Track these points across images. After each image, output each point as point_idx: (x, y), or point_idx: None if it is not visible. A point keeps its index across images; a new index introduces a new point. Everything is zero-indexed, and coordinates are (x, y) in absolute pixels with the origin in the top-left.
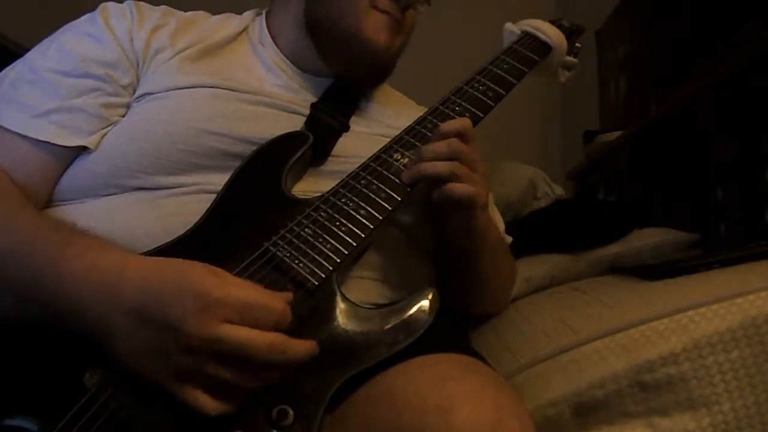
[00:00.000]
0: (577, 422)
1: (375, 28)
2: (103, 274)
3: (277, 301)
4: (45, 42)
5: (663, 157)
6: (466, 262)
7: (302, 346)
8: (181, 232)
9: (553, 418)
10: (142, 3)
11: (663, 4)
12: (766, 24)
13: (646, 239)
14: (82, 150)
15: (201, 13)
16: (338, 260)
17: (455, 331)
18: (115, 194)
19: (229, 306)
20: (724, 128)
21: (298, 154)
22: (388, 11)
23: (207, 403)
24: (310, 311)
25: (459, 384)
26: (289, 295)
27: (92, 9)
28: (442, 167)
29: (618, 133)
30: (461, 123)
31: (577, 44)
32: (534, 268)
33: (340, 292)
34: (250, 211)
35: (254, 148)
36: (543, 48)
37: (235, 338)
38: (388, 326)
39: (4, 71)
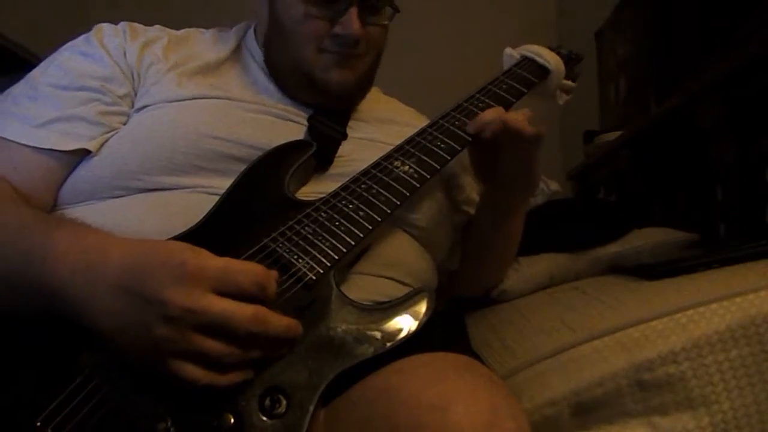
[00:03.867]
0: (576, 421)
1: (324, 68)
2: (86, 255)
3: (255, 265)
4: (45, 62)
5: (663, 157)
6: (499, 222)
7: (283, 320)
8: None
9: (552, 417)
10: (135, 23)
11: (663, 5)
12: (766, 24)
13: (645, 239)
14: (84, 154)
15: (193, 30)
16: (336, 257)
17: (453, 330)
18: (120, 196)
19: (208, 273)
20: (724, 128)
21: (302, 160)
22: (335, 51)
23: (195, 372)
24: (308, 306)
25: (454, 383)
26: (274, 273)
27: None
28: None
29: (618, 133)
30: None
31: (576, 71)
32: (533, 267)
33: (338, 288)
34: (253, 211)
35: (254, 152)
36: (541, 71)
37: (218, 309)
38: (383, 324)
39: (8, 90)
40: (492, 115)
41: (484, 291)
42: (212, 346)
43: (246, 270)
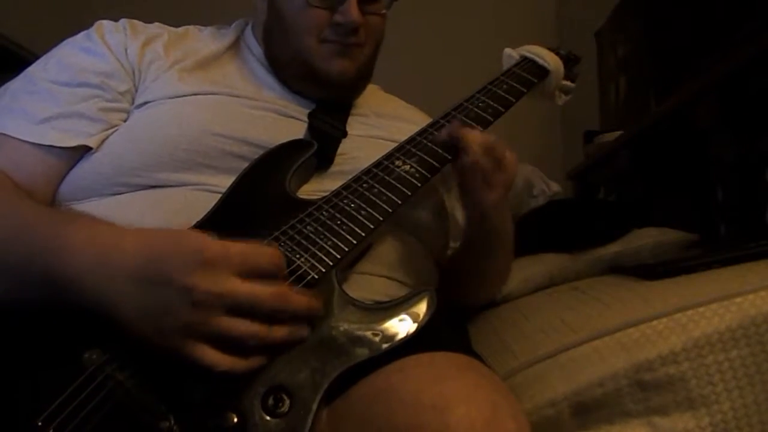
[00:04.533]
0: (576, 421)
1: (325, 57)
2: (102, 244)
3: (268, 248)
4: (44, 57)
5: (663, 157)
6: (479, 249)
7: (304, 297)
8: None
9: (552, 418)
10: (135, 20)
11: (663, 5)
12: (766, 24)
13: (645, 239)
14: (85, 151)
15: (192, 27)
16: (338, 256)
17: (453, 330)
18: (121, 193)
19: (230, 257)
20: (724, 128)
21: (303, 159)
22: (336, 40)
23: (216, 357)
24: None
25: (454, 383)
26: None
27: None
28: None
29: (618, 133)
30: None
31: (575, 71)
32: (533, 267)
33: (340, 287)
34: (254, 209)
35: (254, 149)
36: (541, 71)
37: (244, 289)
38: (384, 324)
39: (5, 85)
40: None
41: (482, 303)
42: (238, 326)
43: (263, 252)
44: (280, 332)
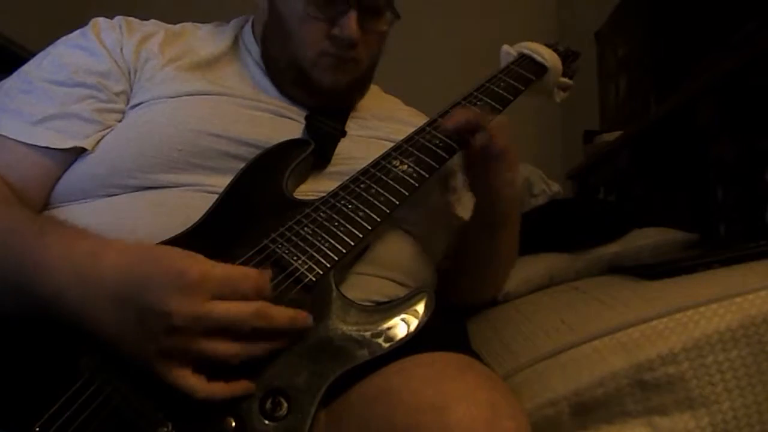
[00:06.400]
0: (576, 421)
1: (321, 69)
2: (79, 261)
3: (253, 271)
4: (39, 55)
5: (663, 157)
6: (489, 234)
7: (287, 312)
8: (182, 230)
9: (552, 418)
10: (131, 18)
11: (663, 4)
12: (766, 24)
13: (645, 239)
14: (80, 152)
15: (189, 25)
16: (336, 258)
17: (453, 330)
18: (115, 194)
19: (210, 281)
20: (724, 128)
21: (300, 159)
22: (333, 53)
23: (195, 384)
24: (307, 307)
25: (454, 383)
26: (267, 274)
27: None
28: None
29: (618, 133)
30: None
31: (573, 68)
32: (533, 267)
33: (338, 289)
34: (251, 210)
35: (251, 149)
36: (539, 68)
37: (222, 309)
38: (382, 325)
39: (0, 83)
40: (463, 114)
41: (481, 303)
42: (217, 347)
43: (246, 275)
44: (264, 348)
